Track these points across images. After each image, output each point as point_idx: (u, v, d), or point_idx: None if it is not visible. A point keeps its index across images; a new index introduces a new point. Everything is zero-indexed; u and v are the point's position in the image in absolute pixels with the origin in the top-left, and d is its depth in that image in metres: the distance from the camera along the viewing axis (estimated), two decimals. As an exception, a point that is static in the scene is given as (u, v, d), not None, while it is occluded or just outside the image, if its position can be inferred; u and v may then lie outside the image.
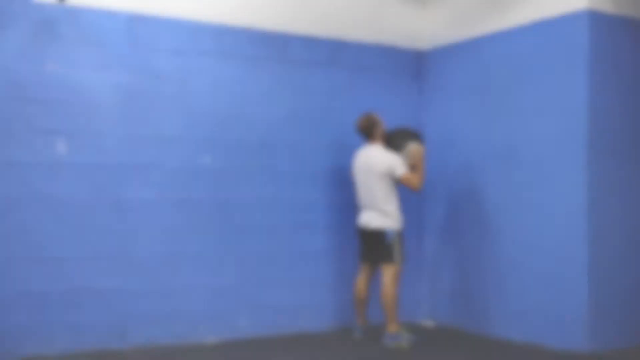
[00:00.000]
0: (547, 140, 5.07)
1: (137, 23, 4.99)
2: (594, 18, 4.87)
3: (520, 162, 5.27)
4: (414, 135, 5.40)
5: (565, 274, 4.91)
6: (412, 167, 5.23)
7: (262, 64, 5.46)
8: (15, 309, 4.56)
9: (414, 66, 6.18)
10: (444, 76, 6.00)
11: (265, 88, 5.47)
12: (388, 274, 5.13)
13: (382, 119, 5.31)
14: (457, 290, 5.81)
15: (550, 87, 5.06)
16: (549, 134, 5.06)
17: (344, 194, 5.76)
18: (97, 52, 4.86)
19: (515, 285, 5.26)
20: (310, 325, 5.58)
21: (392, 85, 6.04)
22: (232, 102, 5.33)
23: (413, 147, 5.27)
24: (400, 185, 5.22)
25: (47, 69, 4.70)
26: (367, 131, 5.26)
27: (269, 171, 5.47)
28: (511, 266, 5.31)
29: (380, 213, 5.14)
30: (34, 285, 4.63)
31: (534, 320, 5.11)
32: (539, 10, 5.17)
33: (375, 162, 5.15)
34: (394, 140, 5.33)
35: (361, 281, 5.37)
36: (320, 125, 5.69)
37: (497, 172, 5.46)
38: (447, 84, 5.98)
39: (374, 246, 5.23)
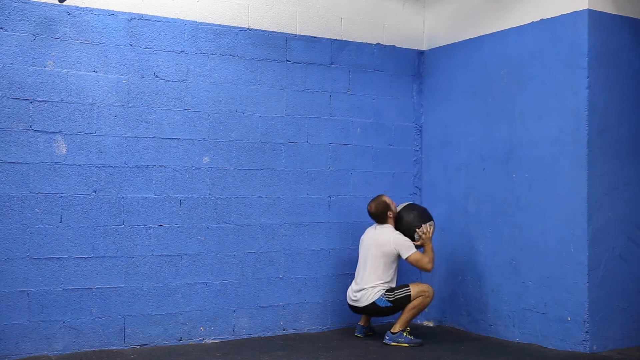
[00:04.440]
0: (547, 140, 5.07)
1: (137, 23, 4.99)
2: (594, 18, 4.87)
3: (520, 162, 5.27)
4: (425, 214, 5.38)
5: (565, 274, 4.91)
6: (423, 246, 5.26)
7: (262, 64, 5.46)
8: (15, 309, 4.56)
9: (414, 66, 6.18)
10: (444, 76, 6.00)
11: (265, 88, 5.47)
12: (417, 292, 5.09)
13: (393, 202, 5.35)
14: (456, 290, 5.81)
15: (550, 87, 5.06)
16: (549, 134, 5.06)
17: (343, 194, 5.77)
18: (97, 52, 4.86)
19: (515, 286, 5.26)
20: (310, 325, 5.59)
21: (392, 85, 6.04)
22: (232, 102, 5.33)
23: (424, 226, 5.27)
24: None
25: (47, 69, 4.70)
26: (381, 215, 5.28)
27: (269, 171, 5.47)
28: (511, 266, 5.31)
29: (368, 289, 5.14)
30: (34, 285, 4.63)
31: (534, 320, 5.11)
32: (539, 10, 5.17)
33: (384, 240, 5.17)
34: (404, 220, 5.32)
35: None
36: (320, 125, 5.70)
37: (497, 172, 5.46)
38: (447, 84, 5.98)
39: (376, 315, 5.31)
